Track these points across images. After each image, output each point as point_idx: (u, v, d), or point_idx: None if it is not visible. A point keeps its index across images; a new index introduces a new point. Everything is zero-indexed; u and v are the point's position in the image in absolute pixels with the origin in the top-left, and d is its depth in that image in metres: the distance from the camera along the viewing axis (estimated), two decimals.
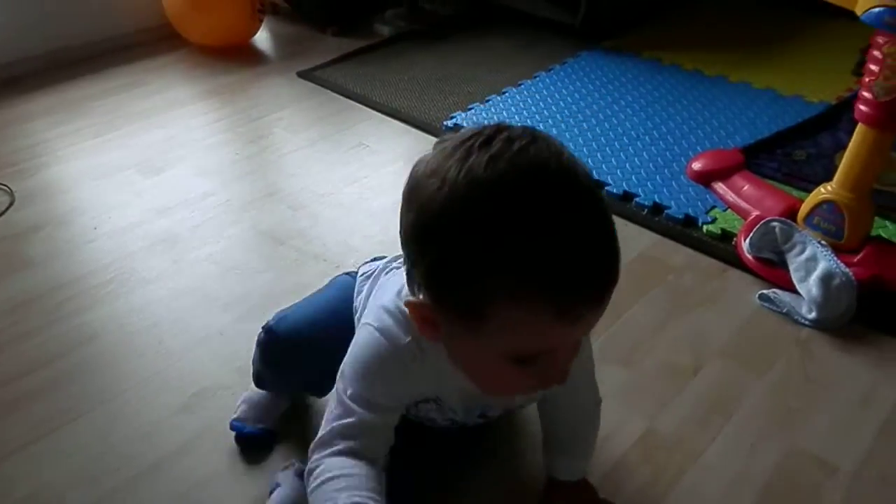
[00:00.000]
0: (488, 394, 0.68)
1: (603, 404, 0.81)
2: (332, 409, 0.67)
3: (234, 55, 2.12)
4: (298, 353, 0.80)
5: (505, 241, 0.50)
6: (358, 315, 0.80)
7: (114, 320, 1.12)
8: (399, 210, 0.58)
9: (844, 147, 1.15)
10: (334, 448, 0.65)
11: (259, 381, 0.89)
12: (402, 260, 0.71)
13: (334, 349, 0.70)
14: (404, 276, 0.64)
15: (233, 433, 0.90)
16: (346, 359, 0.68)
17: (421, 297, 0.58)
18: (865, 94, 1.06)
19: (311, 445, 0.67)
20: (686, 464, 0.87)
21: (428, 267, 0.55)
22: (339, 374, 0.68)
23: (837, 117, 1.58)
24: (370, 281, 0.80)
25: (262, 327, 0.84)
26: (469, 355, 0.61)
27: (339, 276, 0.92)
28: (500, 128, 0.54)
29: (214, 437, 0.91)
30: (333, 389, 0.69)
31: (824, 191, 1.16)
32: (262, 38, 2.29)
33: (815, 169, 1.41)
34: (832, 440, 0.90)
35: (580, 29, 2.04)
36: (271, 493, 0.81)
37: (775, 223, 1.16)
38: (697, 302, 1.14)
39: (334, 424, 0.66)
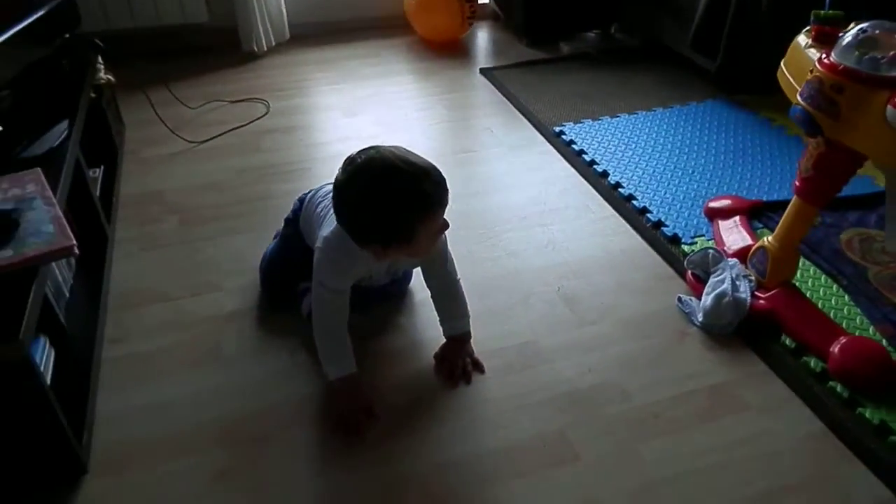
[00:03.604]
0: (420, 256, 1.24)
1: (522, 319, 1.36)
2: (313, 303, 1.23)
3: (444, 48, 2.82)
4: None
5: (409, 213, 1.08)
6: (308, 235, 1.38)
7: (290, 192, 1.86)
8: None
9: (853, 225, 1.41)
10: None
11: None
12: (320, 200, 1.33)
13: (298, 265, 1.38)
14: (328, 224, 1.22)
15: None
16: (315, 270, 1.20)
17: (372, 247, 1.15)
18: (798, 171, 1.37)
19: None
20: (546, 357, 1.34)
21: (381, 239, 1.12)
22: (314, 279, 1.21)
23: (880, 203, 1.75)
24: (311, 210, 1.36)
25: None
26: (408, 251, 1.16)
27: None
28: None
29: None
30: (312, 295, 1.24)
31: (764, 241, 1.46)
32: (474, 37, 2.97)
33: (817, 236, 1.65)
34: (645, 385, 1.29)
35: (715, 77, 2.35)
36: (303, 295, 1.43)
37: (710, 250, 1.50)
38: (636, 289, 1.54)
39: (316, 309, 1.24)
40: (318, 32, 2.91)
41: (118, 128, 2.14)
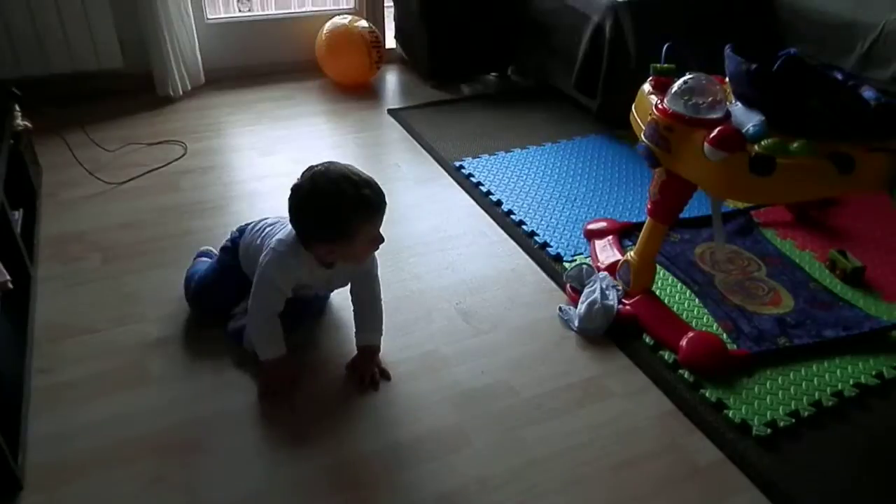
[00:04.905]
0: (358, 262, 1.46)
1: (424, 331, 1.54)
2: (254, 295, 1.44)
3: (354, 90, 3.03)
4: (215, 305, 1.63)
5: (351, 213, 1.31)
6: (248, 261, 1.55)
7: (211, 228, 2.00)
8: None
9: (705, 241, 1.69)
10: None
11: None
12: (265, 228, 1.52)
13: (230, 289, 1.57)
14: (282, 231, 1.43)
15: None
16: (264, 267, 1.43)
17: (318, 246, 1.37)
18: (649, 195, 1.64)
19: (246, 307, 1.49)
20: (445, 363, 1.53)
21: (326, 235, 1.34)
22: (255, 280, 1.44)
23: (733, 220, 2.07)
24: (253, 239, 1.54)
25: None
26: (348, 253, 1.38)
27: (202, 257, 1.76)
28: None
29: None
30: (253, 288, 1.45)
31: (628, 255, 1.73)
32: (383, 80, 3.19)
33: (676, 250, 1.94)
34: (530, 382, 1.50)
35: (595, 115, 2.66)
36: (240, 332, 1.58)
37: (584, 266, 1.75)
38: (523, 302, 1.76)
39: (257, 300, 1.44)
40: (232, 76, 3.05)
41: (36, 170, 2.21)
